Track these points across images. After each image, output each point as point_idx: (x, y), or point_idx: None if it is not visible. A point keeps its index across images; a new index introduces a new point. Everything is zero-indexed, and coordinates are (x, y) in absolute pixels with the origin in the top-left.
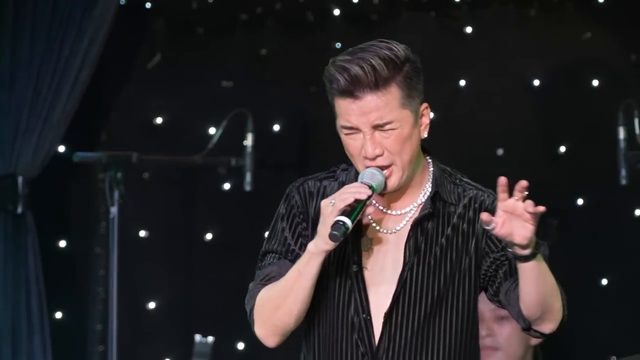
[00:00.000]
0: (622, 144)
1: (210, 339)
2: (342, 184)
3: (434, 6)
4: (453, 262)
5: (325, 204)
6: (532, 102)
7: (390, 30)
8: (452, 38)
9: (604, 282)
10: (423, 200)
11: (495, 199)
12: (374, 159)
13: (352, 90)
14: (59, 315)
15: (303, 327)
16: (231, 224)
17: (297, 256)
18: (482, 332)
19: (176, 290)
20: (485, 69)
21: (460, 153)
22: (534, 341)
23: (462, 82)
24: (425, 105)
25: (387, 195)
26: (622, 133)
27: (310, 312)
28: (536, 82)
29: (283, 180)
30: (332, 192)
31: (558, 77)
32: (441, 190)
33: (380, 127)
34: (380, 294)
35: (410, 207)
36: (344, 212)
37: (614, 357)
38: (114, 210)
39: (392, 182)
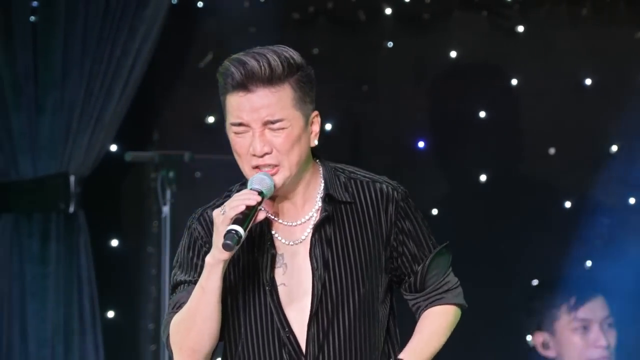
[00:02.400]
0: None
1: None
2: None
3: (485, 5)
4: (364, 260)
5: (216, 213)
6: (584, 101)
7: (441, 29)
8: (504, 37)
9: None
10: (319, 205)
11: (401, 194)
12: (262, 156)
13: (245, 83)
14: (111, 314)
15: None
16: None
17: None
18: (602, 342)
19: None
20: (537, 68)
21: (512, 152)
22: None
23: (514, 81)
24: (316, 113)
25: (285, 206)
26: None
27: (232, 333)
28: (588, 81)
29: None
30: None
31: (610, 76)
32: (333, 191)
33: (271, 123)
34: (301, 308)
35: (310, 214)
36: (235, 221)
37: None
38: (165, 209)
39: (278, 181)
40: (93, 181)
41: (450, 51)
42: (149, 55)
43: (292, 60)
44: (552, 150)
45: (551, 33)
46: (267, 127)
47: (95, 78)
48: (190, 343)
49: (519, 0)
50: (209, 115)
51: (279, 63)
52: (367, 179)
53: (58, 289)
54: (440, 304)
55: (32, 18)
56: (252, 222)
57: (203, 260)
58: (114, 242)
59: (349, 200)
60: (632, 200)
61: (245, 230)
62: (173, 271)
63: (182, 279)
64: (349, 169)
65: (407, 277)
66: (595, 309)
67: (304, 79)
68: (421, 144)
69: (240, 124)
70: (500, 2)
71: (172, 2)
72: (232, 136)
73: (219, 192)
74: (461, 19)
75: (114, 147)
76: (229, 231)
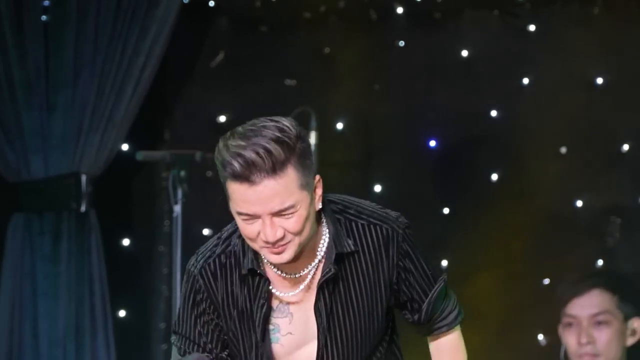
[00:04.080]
0: None
1: None
2: (237, 256)
3: (497, 4)
4: (367, 306)
5: None
6: (596, 100)
7: (453, 28)
8: (515, 36)
9: None
10: (322, 254)
11: (401, 234)
12: (274, 242)
13: (248, 175)
14: (122, 313)
15: None
16: None
17: (210, 351)
18: (582, 339)
19: None
20: (548, 67)
21: (524, 151)
22: (630, 341)
23: (526, 80)
24: (318, 177)
25: (287, 266)
26: None
27: None
28: (599, 80)
29: (347, 178)
30: (232, 270)
31: (621, 74)
32: (340, 246)
33: (281, 212)
34: (308, 355)
35: (313, 264)
36: None
37: None
38: (177, 208)
39: (288, 256)
40: (104, 180)
41: (461, 50)
42: (161, 55)
43: (289, 139)
44: (563, 149)
45: (562, 32)
46: (277, 216)
47: (106, 77)
48: None
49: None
50: (220, 114)
51: (279, 149)
52: (366, 222)
53: (69, 288)
54: (446, 334)
55: (44, 17)
56: None
57: (201, 315)
58: (126, 242)
59: (353, 249)
60: None
61: None
62: (178, 310)
63: (182, 331)
64: (348, 209)
65: (411, 312)
66: (584, 305)
67: (304, 151)
68: (432, 143)
69: (247, 214)
70: (512, 1)
71: (184, 1)
72: (239, 221)
73: None
74: (473, 18)
75: (125, 147)
76: None
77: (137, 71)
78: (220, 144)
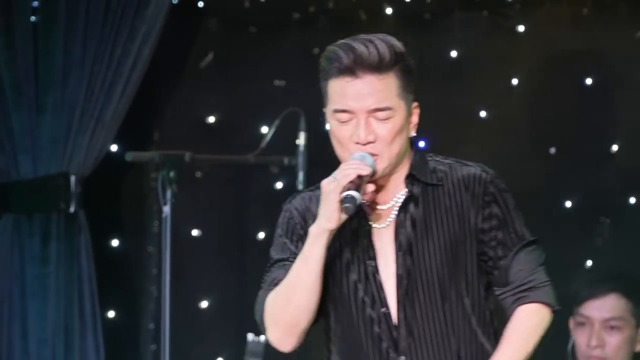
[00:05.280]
0: None
1: (262, 338)
2: None
3: (486, 5)
4: (449, 241)
5: (325, 182)
6: (584, 101)
7: (442, 29)
8: (505, 37)
9: None
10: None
11: (489, 177)
12: (365, 144)
13: (353, 68)
14: (111, 314)
15: (321, 330)
16: None
17: None
18: (592, 342)
19: (228, 289)
20: (537, 68)
21: (513, 151)
22: (639, 347)
23: (515, 81)
24: (416, 104)
25: (373, 192)
26: None
27: (330, 309)
28: (588, 81)
29: None
30: None
31: (610, 75)
32: (418, 172)
33: (377, 111)
34: (390, 287)
35: (396, 198)
36: (348, 189)
37: None
38: (166, 209)
39: (375, 170)
40: (94, 181)
41: (451, 51)
42: (150, 55)
43: (397, 49)
44: (552, 150)
45: (552, 32)
46: (372, 116)
47: (95, 78)
48: (287, 317)
49: (520, 0)
50: (210, 115)
51: (387, 51)
52: (457, 163)
53: (58, 288)
54: (525, 303)
55: (33, 18)
56: (362, 191)
57: (296, 243)
58: (115, 242)
59: (435, 182)
60: (632, 200)
61: (359, 200)
62: (270, 251)
63: (278, 257)
64: (443, 157)
65: (492, 269)
66: (599, 308)
67: (408, 68)
68: (422, 144)
69: (345, 111)
70: (501, 2)
71: (173, 2)
72: (333, 123)
73: (219, 191)
74: (462, 19)
75: (114, 147)
76: (346, 196)
77: (126, 72)
78: (327, 48)
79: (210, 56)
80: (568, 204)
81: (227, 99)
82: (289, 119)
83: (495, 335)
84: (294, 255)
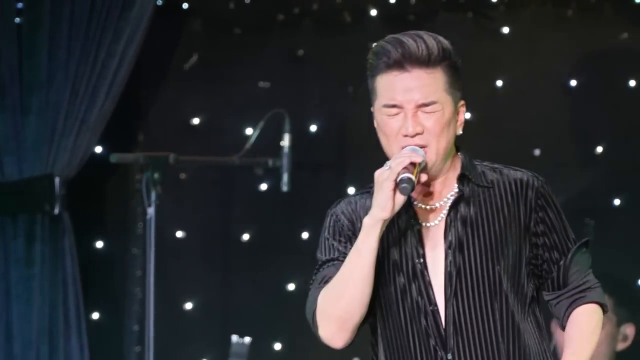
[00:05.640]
0: None
1: (247, 339)
2: None
3: (471, 6)
4: (499, 241)
5: (379, 171)
6: (569, 103)
7: (427, 30)
8: (489, 38)
9: None
10: (456, 189)
11: (541, 182)
12: (413, 136)
13: (402, 62)
14: (95, 315)
15: (369, 324)
16: (268, 225)
17: None
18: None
19: (213, 291)
20: (522, 69)
21: (497, 153)
22: (621, 346)
23: (499, 83)
24: (463, 102)
25: (424, 190)
26: None
27: (377, 308)
28: (573, 83)
29: (320, 180)
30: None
31: (595, 77)
32: (470, 173)
33: (424, 105)
34: (438, 285)
35: (447, 198)
36: (402, 174)
37: None
38: (151, 211)
39: (426, 163)
40: (78, 183)
41: None
42: (134, 57)
43: (445, 46)
44: (537, 152)
45: (536, 34)
46: (420, 110)
47: (80, 79)
48: (339, 311)
49: (504, 2)
50: (194, 116)
51: (435, 46)
52: (509, 168)
53: (43, 290)
54: (583, 303)
55: (17, 20)
56: (417, 180)
57: (345, 244)
58: (99, 244)
59: (486, 184)
60: (617, 202)
61: (415, 184)
62: (317, 254)
63: (327, 257)
64: (490, 162)
65: (547, 273)
66: None
67: (455, 66)
68: None
69: (393, 106)
70: (486, 3)
71: (158, 3)
72: (382, 118)
73: (204, 193)
74: (446, 20)
75: (99, 149)
76: (402, 178)
77: (110, 73)
78: (375, 44)
79: (194, 58)
80: None
81: (211, 100)
82: (273, 120)
83: (541, 337)
84: (343, 255)
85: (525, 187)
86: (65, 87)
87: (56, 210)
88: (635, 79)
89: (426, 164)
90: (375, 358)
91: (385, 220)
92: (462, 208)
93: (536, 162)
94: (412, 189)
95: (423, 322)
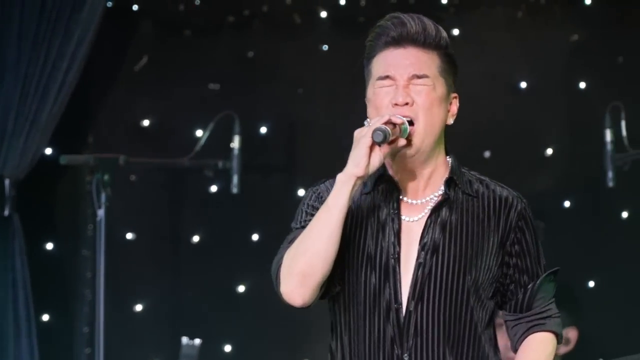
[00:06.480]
0: (609, 147)
1: (197, 341)
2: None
3: (421, 8)
4: (474, 251)
5: (358, 130)
6: (519, 105)
7: None
8: None
9: (591, 284)
10: (443, 190)
11: (524, 205)
12: (403, 105)
13: (399, 40)
14: (45, 317)
15: (331, 313)
16: (218, 226)
17: None
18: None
19: (163, 293)
20: (472, 72)
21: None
22: (563, 350)
23: None
24: (456, 95)
25: (409, 185)
26: (609, 135)
27: (341, 293)
28: (523, 85)
29: (270, 182)
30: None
31: (545, 79)
32: (457, 179)
33: (416, 78)
34: (407, 284)
35: (431, 196)
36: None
37: (601, 359)
38: (101, 212)
39: (411, 149)
40: (28, 184)
41: None
42: (85, 58)
43: (444, 35)
44: (487, 154)
45: (486, 36)
46: (412, 83)
47: (30, 80)
48: (303, 265)
49: (455, 4)
50: (144, 118)
51: (434, 29)
52: (494, 183)
53: None
54: (541, 330)
55: None
56: (395, 140)
57: (316, 208)
58: (49, 246)
59: (472, 193)
60: (567, 204)
61: (389, 137)
62: (290, 227)
63: (298, 225)
64: (477, 173)
65: (513, 294)
66: None
67: (450, 58)
68: None
69: (386, 77)
70: (436, 5)
71: (108, 5)
72: (374, 91)
73: (154, 195)
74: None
75: (49, 150)
76: (378, 128)
77: (60, 74)
78: (376, 25)
79: (144, 59)
80: None
81: (161, 102)
82: (223, 122)
83: (496, 351)
84: None
85: (509, 206)
86: (15, 88)
87: (6, 212)
88: (585, 81)
89: (410, 134)
90: (333, 346)
91: (358, 178)
92: (444, 212)
93: (486, 164)
94: (385, 139)
95: (384, 319)
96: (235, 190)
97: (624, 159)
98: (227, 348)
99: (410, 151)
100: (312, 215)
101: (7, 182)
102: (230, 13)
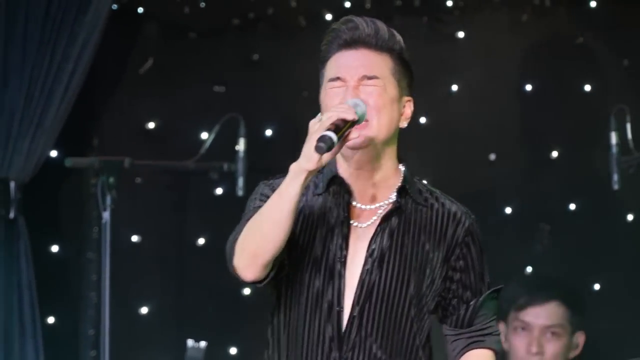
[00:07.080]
0: (614, 149)
1: (202, 343)
2: (315, 177)
3: (426, 11)
4: (420, 262)
5: (312, 122)
6: (524, 107)
7: None
8: (444, 43)
9: (597, 287)
10: (394, 198)
11: (472, 221)
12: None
13: (351, 42)
14: (51, 320)
15: (271, 308)
16: (223, 229)
17: None
18: (533, 348)
19: (168, 295)
20: (477, 74)
21: (453, 158)
22: (572, 354)
23: (454, 87)
24: (409, 98)
25: (360, 189)
26: (614, 138)
27: (284, 289)
28: (528, 87)
29: None
30: (309, 187)
31: (550, 81)
32: (410, 188)
33: (366, 79)
34: (351, 288)
35: (381, 203)
36: (329, 129)
37: None
38: (106, 215)
39: (361, 138)
40: (33, 187)
41: None
42: (90, 61)
43: (397, 38)
44: (492, 156)
45: (491, 38)
46: (362, 83)
47: (35, 83)
48: (253, 246)
49: (460, 6)
50: (149, 120)
51: (387, 33)
52: (445, 197)
53: None
54: (480, 347)
55: None
56: (345, 137)
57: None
58: (54, 248)
59: (422, 203)
60: (572, 207)
61: (338, 140)
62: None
63: (254, 205)
64: (429, 185)
65: (455, 309)
66: (539, 315)
67: (403, 62)
68: None
69: (337, 78)
70: (441, 8)
71: (113, 7)
72: (326, 92)
73: (159, 197)
74: (401, 25)
75: (54, 153)
76: (323, 136)
77: (66, 77)
78: (329, 29)
79: (150, 62)
80: (508, 210)
81: (166, 104)
82: (228, 124)
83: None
84: None
85: (457, 222)
86: (20, 90)
87: (11, 215)
88: (590, 84)
89: (366, 121)
90: (270, 342)
91: (309, 172)
92: (394, 220)
93: (491, 167)
94: (328, 149)
95: (324, 322)
96: (240, 192)
97: (629, 162)
98: (233, 351)
99: (357, 144)
100: (263, 196)
101: (12, 184)
102: (236, 15)
